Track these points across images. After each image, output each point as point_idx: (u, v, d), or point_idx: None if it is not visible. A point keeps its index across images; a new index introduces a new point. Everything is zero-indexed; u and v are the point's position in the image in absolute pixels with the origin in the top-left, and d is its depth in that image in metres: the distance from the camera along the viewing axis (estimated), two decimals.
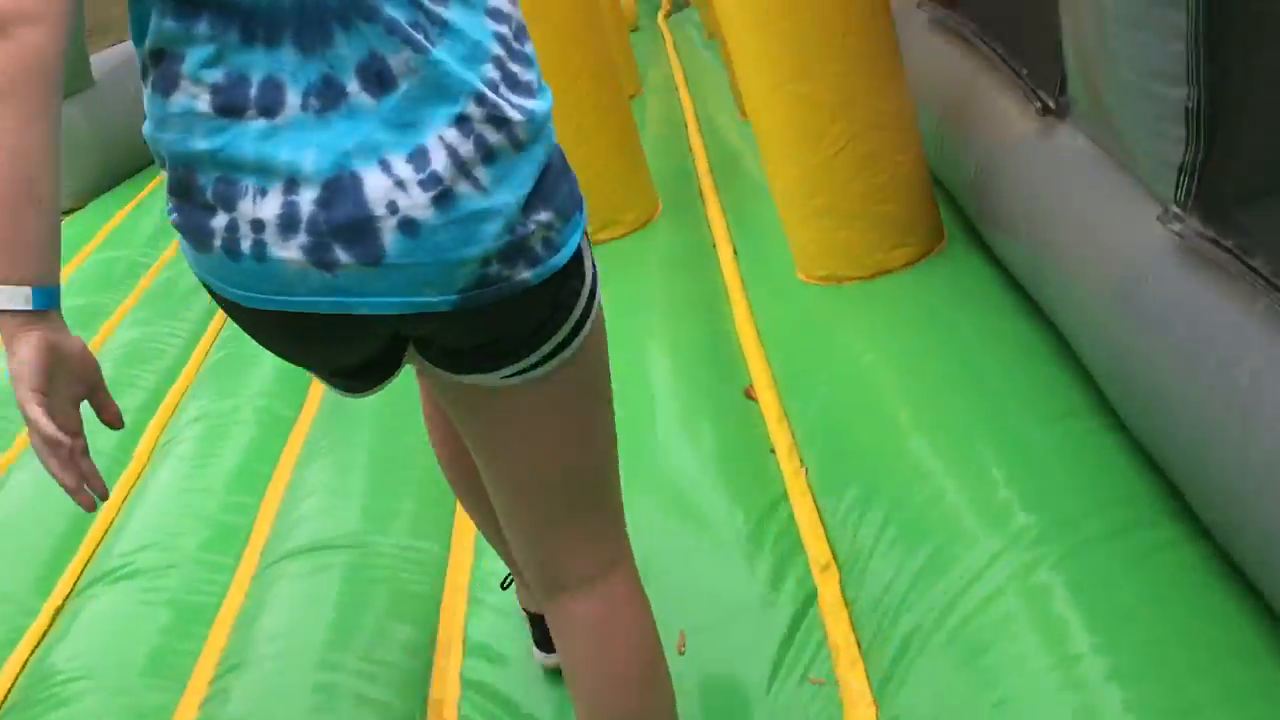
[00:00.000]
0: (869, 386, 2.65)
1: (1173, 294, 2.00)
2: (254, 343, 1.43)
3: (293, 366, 1.49)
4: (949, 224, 3.10)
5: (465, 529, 2.73)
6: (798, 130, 2.70)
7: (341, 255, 1.25)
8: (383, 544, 2.72)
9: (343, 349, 1.38)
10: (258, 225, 1.25)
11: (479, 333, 1.34)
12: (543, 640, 2.07)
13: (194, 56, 1.23)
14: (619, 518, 1.54)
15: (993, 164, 2.79)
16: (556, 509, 1.48)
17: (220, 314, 4.03)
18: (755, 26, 2.64)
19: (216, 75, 1.23)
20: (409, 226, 1.24)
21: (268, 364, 3.68)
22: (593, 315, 1.41)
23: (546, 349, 1.37)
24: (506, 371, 1.38)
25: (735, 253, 3.68)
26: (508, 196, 1.27)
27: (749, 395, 2.94)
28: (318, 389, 3.55)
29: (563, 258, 1.33)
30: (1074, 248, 2.40)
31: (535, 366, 1.38)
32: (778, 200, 2.96)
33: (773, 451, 2.72)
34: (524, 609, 2.12)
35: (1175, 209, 1.97)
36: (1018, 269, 2.72)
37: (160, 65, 1.26)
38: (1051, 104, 2.47)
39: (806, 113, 2.67)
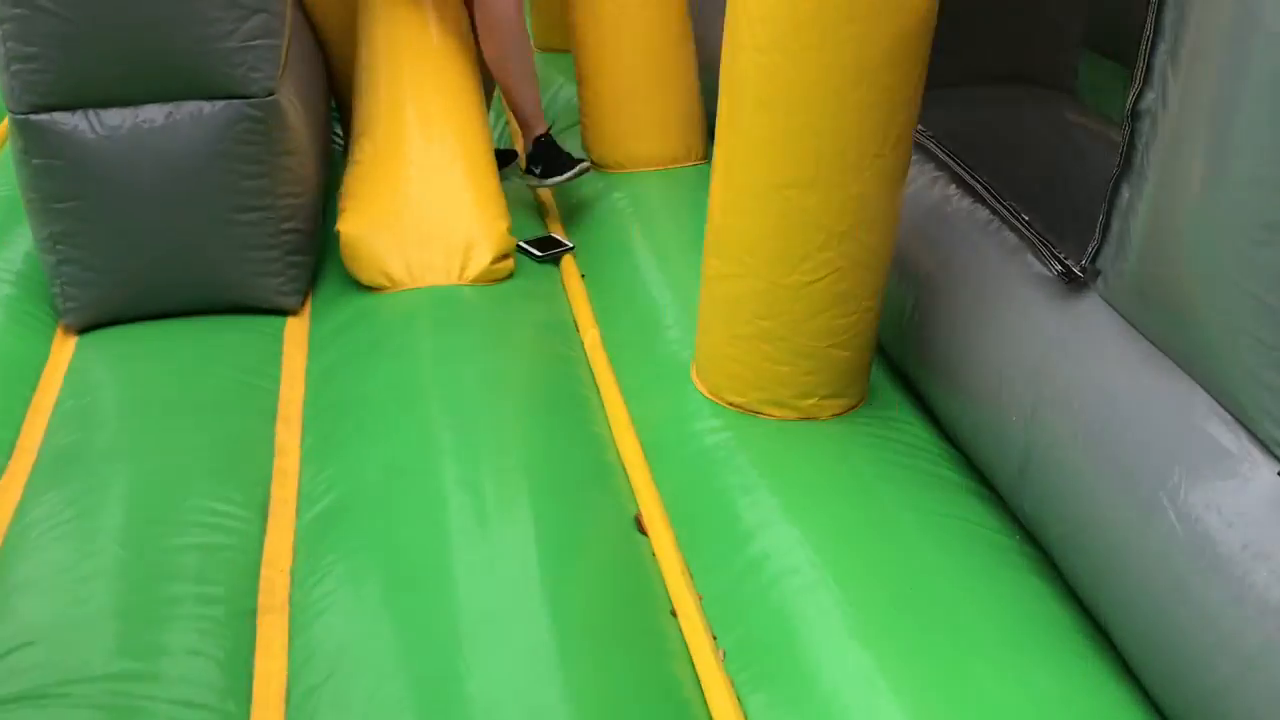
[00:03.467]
0: (799, 553, 2.19)
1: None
2: None
3: None
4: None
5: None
6: (782, 243, 2.22)
7: None
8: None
9: None
10: None
11: None
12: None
13: None
14: None
15: (969, 323, 2.39)
16: None
17: None
18: (784, 109, 2.10)
19: None
20: None
21: None
22: None
23: None
24: None
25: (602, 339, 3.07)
26: None
27: (639, 527, 2.43)
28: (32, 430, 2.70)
29: None
30: (1111, 445, 1.99)
31: None
32: (705, 302, 2.44)
33: (673, 613, 2.22)
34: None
35: None
36: (994, 452, 2.31)
37: None
38: (1078, 271, 2.11)
39: (802, 228, 2.18)
